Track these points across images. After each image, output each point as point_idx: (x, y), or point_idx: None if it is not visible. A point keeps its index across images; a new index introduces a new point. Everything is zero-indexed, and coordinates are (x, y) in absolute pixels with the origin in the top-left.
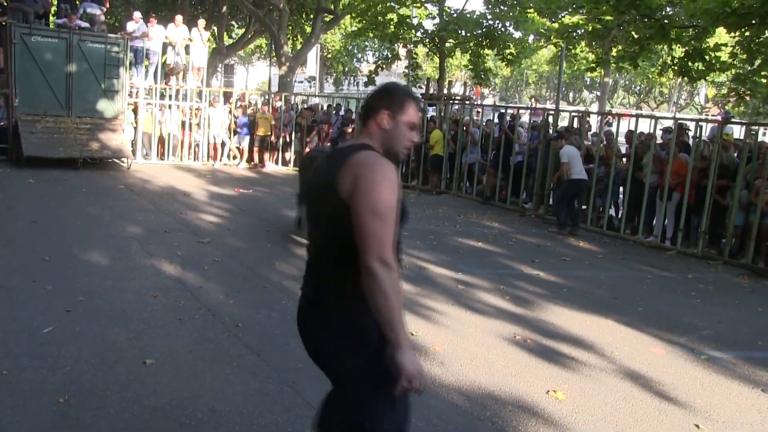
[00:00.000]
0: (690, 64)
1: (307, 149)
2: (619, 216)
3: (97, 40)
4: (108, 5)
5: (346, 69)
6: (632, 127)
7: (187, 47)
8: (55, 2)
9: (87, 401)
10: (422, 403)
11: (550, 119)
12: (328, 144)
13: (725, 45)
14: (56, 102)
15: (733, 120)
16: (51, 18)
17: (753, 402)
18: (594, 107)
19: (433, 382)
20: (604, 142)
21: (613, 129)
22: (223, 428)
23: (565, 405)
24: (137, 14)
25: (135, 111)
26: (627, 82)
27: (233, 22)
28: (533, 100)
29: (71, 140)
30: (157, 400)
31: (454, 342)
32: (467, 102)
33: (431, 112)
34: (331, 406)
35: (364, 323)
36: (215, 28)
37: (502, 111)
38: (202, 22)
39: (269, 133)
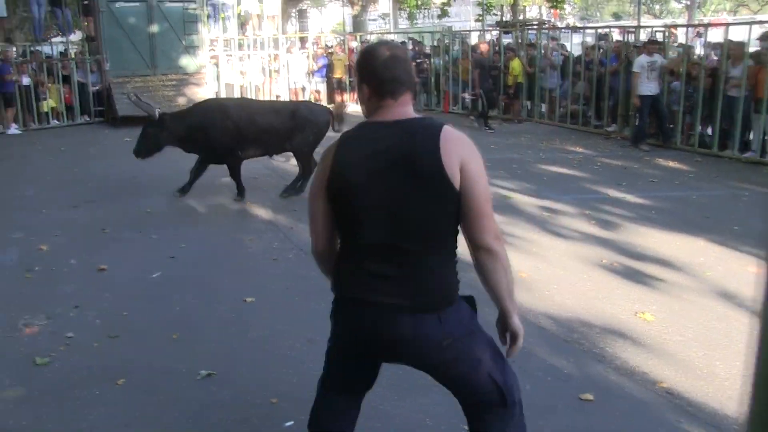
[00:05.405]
0: None
1: None
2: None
3: (174, 0)
4: None
5: (419, 2)
6: (726, 37)
7: None
8: None
9: (196, 336)
10: None
11: (631, 37)
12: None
13: None
14: (142, 62)
15: None
16: None
17: None
18: (683, 19)
19: (520, 307)
20: (689, 56)
21: (702, 40)
22: (322, 357)
23: (653, 326)
24: None
25: (216, 63)
26: None
27: None
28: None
29: (159, 97)
30: (258, 333)
31: (540, 268)
32: (544, 26)
33: (507, 39)
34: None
35: (464, 305)
36: None
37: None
38: None
39: (344, 75)
